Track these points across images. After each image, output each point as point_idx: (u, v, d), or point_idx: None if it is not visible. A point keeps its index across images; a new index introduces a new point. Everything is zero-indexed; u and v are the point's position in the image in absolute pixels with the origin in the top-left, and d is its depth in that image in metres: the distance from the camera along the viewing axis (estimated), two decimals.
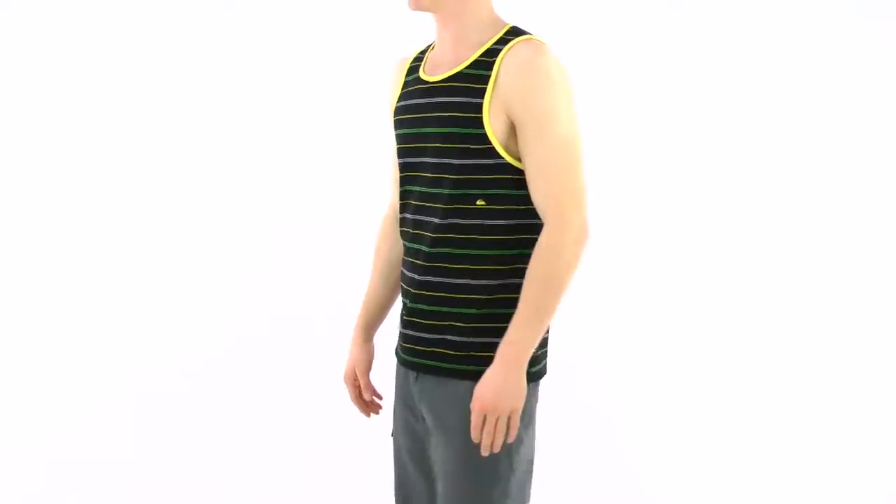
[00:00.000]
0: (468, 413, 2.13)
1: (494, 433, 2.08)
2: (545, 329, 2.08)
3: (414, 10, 2.19)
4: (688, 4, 3.82)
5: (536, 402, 2.20)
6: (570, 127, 2.07)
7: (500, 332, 2.13)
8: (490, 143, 2.08)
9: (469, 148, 2.10)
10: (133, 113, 3.77)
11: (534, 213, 2.13)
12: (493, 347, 2.13)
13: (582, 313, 3.82)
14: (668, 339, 3.83)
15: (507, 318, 2.13)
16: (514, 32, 2.15)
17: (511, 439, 2.10)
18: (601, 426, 3.82)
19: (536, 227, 2.14)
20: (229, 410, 3.79)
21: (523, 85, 2.06)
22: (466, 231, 2.12)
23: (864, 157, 3.83)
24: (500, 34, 2.15)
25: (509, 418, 2.08)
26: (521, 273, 2.13)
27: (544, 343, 2.20)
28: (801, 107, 3.82)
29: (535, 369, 2.17)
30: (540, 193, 2.08)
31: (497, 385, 2.06)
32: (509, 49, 2.09)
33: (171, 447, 3.77)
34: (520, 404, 2.07)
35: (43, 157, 3.76)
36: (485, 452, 2.10)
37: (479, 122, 2.09)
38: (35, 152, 3.76)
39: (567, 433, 3.81)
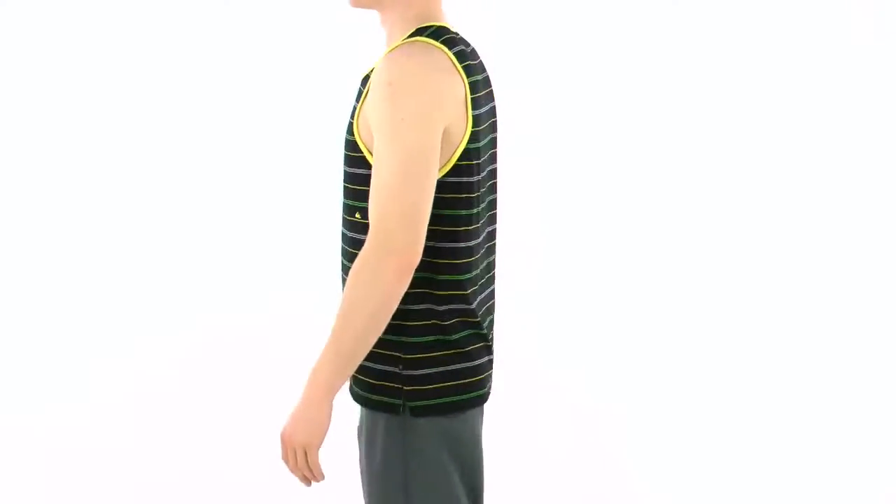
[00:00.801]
0: (362, 436, 2.00)
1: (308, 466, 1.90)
2: (349, 361, 1.84)
3: (354, 7, 2.04)
4: (685, 2, 3.83)
5: (430, 445, 1.94)
6: (406, 140, 1.84)
7: (374, 357, 1.95)
8: (361, 150, 1.94)
9: (348, 155, 1.98)
10: (130, 112, 3.76)
11: None
12: (369, 372, 1.96)
13: (579, 313, 3.82)
14: (666, 339, 3.83)
15: (386, 343, 1.95)
16: (416, 33, 1.96)
17: (315, 478, 1.92)
18: (596, 426, 3.83)
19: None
20: (225, 409, 3.79)
21: (372, 93, 1.89)
22: (351, 244, 1.97)
23: (864, 157, 3.83)
24: (407, 35, 1.97)
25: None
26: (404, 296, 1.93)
27: (450, 376, 1.96)
28: (800, 107, 3.82)
29: (418, 404, 1.93)
30: (369, 208, 1.88)
31: (293, 414, 1.88)
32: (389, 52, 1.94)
33: (166, 446, 3.77)
34: (312, 441, 1.86)
35: (33, 154, 3.75)
36: (304, 483, 1.97)
37: (352, 129, 1.96)
38: (21, 147, 3.76)
39: (563, 434, 3.81)
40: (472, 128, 1.93)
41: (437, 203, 1.91)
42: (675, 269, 3.84)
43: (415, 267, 1.85)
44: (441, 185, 1.91)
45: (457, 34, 2.02)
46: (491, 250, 2.08)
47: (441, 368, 1.94)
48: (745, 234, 3.85)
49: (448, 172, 1.92)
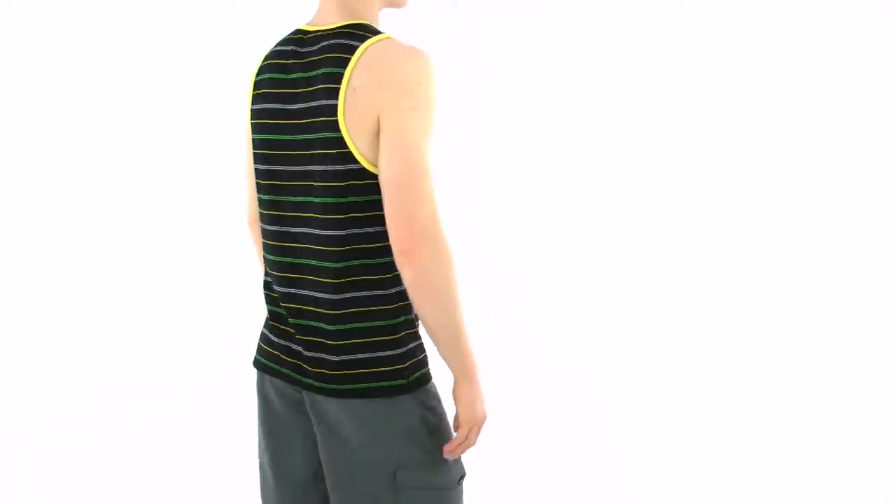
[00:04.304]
0: None
1: None
2: None
3: None
4: (688, 4, 3.83)
5: None
6: None
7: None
8: None
9: None
10: (131, 113, 3.75)
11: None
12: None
13: (580, 312, 3.82)
14: (667, 339, 3.83)
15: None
16: None
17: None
18: (592, 426, 3.83)
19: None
20: (223, 411, 3.79)
21: None
22: None
23: (865, 158, 3.84)
24: None
25: None
26: None
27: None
28: (802, 107, 3.83)
29: None
30: None
31: None
32: None
33: (165, 446, 3.77)
34: None
35: (34, 157, 3.75)
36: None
37: None
38: (28, 151, 3.75)
39: (556, 433, 3.81)
40: (251, 120, 2.09)
41: None
42: (674, 271, 3.85)
43: (247, 228, 2.27)
44: None
45: (304, 35, 2.02)
46: (293, 251, 2.01)
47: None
48: (745, 235, 3.86)
49: None
